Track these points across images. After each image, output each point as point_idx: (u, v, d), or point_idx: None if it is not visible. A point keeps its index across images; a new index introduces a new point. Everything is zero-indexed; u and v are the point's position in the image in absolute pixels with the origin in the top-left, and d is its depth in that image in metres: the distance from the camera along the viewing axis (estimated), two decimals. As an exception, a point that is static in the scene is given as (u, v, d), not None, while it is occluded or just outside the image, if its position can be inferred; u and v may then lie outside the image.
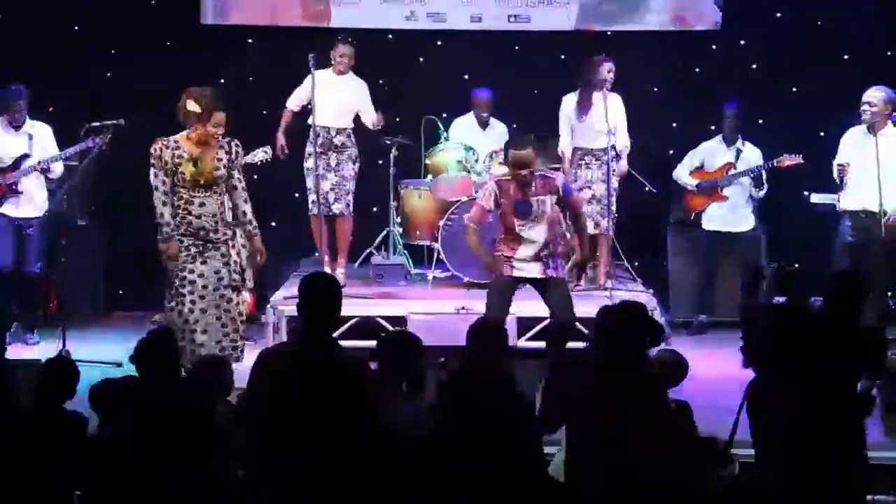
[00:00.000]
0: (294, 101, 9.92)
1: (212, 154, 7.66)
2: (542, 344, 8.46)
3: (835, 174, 9.31)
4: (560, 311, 7.89)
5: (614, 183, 9.71)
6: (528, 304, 8.31)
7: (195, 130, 7.64)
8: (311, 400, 5.00)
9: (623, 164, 9.87)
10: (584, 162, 9.88)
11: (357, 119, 10.00)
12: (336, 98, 9.79)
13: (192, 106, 7.58)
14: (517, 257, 7.88)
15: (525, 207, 7.82)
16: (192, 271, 7.69)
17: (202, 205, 7.68)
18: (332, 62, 9.85)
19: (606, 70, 9.65)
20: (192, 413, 5.27)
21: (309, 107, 9.60)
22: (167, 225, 7.68)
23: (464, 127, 10.49)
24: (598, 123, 9.63)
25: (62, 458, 5.30)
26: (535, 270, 7.88)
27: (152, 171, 7.76)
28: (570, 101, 9.86)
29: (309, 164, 9.72)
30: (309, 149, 9.70)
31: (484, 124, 10.51)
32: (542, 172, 7.95)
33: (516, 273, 7.89)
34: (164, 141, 7.67)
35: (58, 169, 9.63)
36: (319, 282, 5.37)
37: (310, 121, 9.59)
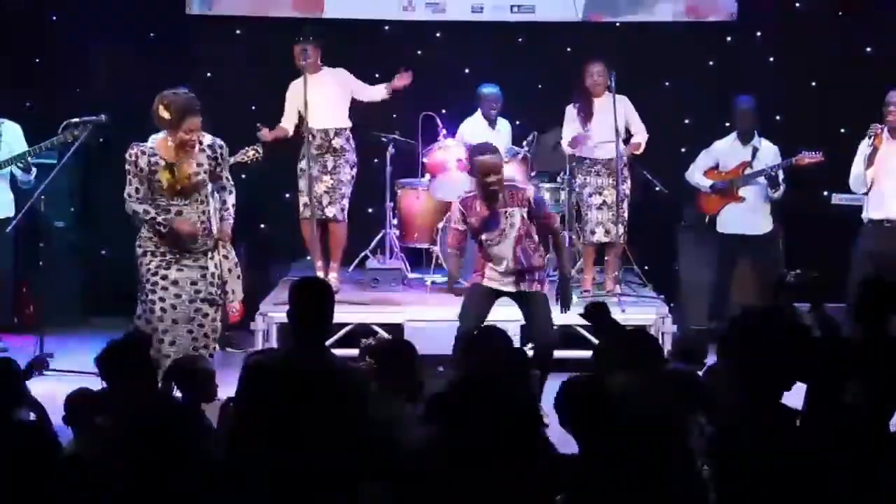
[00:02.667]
0: (287, 120, 9.68)
1: (190, 160, 7.40)
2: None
3: (860, 169, 9.11)
4: (537, 332, 7.64)
5: (625, 189, 9.55)
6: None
7: (170, 136, 7.39)
8: (302, 410, 4.92)
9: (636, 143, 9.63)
10: (593, 170, 9.69)
11: (353, 119, 9.74)
12: (322, 98, 9.52)
13: (163, 112, 7.34)
14: (488, 270, 7.66)
15: (492, 222, 7.55)
16: (164, 277, 7.42)
17: (179, 213, 7.40)
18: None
19: (594, 72, 9.50)
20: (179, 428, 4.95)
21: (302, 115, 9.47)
22: (153, 219, 7.34)
23: (474, 128, 10.18)
24: (603, 133, 9.43)
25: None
26: (508, 284, 7.64)
27: (128, 181, 7.44)
28: (572, 113, 9.71)
29: (302, 165, 9.53)
30: (303, 150, 9.51)
31: (492, 123, 10.23)
32: (511, 184, 7.74)
33: (487, 283, 7.67)
34: (140, 147, 7.44)
35: (31, 174, 9.30)
36: (310, 287, 5.33)
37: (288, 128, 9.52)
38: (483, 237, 7.56)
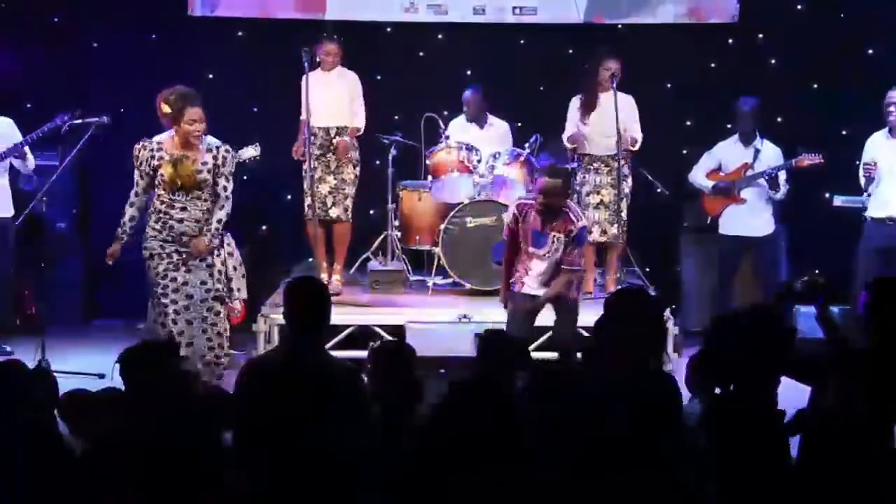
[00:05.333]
0: (304, 110, 9.54)
1: (195, 157, 7.46)
2: (545, 355, 8.27)
3: (861, 178, 9.15)
4: (557, 335, 7.89)
5: (625, 188, 9.51)
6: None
7: (176, 132, 7.47)
8: (297, 409, 4.97)
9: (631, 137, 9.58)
10: (592, 167, 9.64)
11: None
12: (328, 96, 9.54)
13: (164, 108, 7.45)
14: (526, 277, 7.78)
15: (542, 240, 7.66)
16: (174, 279, 7.48)
17: (184, 209, 7.47)
18: (318, 60, 9.60)
19: (606, 69, 9.44)
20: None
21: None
22: (122, 226, 7.61)
23: (460, 128, 10.25)
24: (605, 128, 9.39)
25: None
26: (540, 290, 7.75)
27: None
28: (575, 104, 9.69)
29: (306, 166, 9.47)
30: (306, 151, 9.42)
31: (479, 123, 10.20)
32: (568, 210, 7.69)
33: (526, 289, 7.75)
34: (145, 141, 7.54)
35: (28, 162, 9.21)
36: (305, 287, 5.39)
37: (302, 116, 9.40)
38: (529, 248, 7.67)
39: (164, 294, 7.42)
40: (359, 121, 9.63)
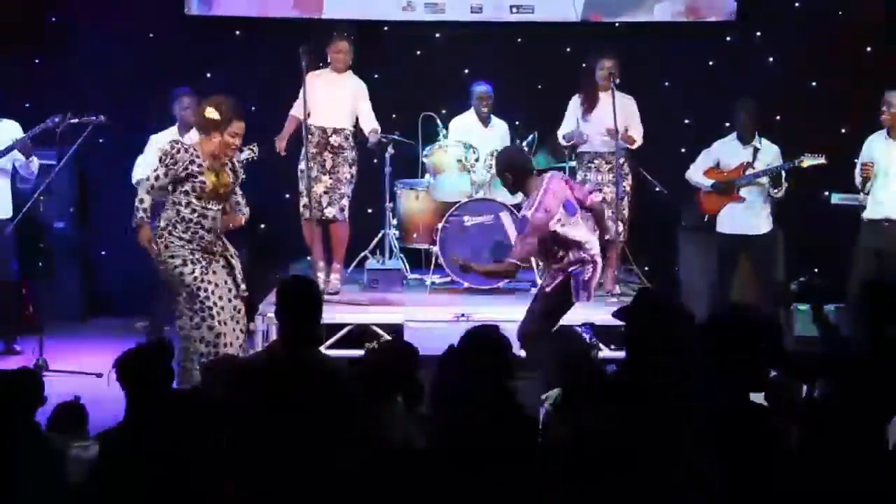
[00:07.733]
0: (298, 109, 9.53)
1: (227, 165, 7.49)
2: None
3: (857, 178, 9.16)
4: None
5: (626, 186, 9.52)
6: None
7: (212, 139, 7.36)
8: (289, 407, 5.00)
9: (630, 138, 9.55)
10: (593, 165, 9.66)
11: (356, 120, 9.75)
12: (333, 97, 9.52)
13: (212, 113, 7.34)
14: None
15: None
16: (209, 281, 7.40)
17: (214, 218, 7.44)
18: (329, 59, 9.56)
19: (607, 66, 9.44)
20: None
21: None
22: (144, 211, 7.34)
23: (464, 125, 10.23)
24: (603, 126, 9.43)
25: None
26: None
27: (156, 167, 7.38)
28: (575, 103, 9.70)
29: (302, 166, 9.50)
30: (303, 151, 9.47)
31: (485, 121, 10.18)
32: (535, 191, 7.55)
33: None
34: (181, 142, 7.45)
35: (33, 164, 9.22)
36: (296, 285, 5.43)
37: (300, 116, 9.40)
38: None
39: (208, 297, 7.32)
40: (372, 123, 9.58)
